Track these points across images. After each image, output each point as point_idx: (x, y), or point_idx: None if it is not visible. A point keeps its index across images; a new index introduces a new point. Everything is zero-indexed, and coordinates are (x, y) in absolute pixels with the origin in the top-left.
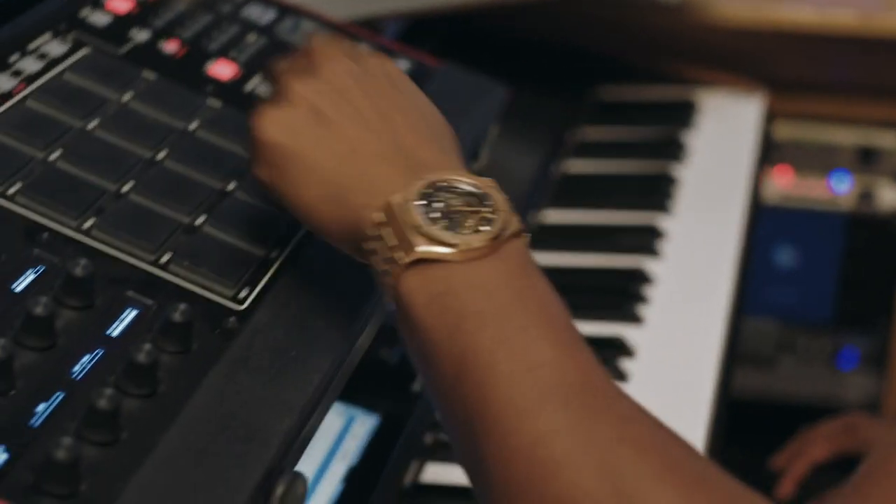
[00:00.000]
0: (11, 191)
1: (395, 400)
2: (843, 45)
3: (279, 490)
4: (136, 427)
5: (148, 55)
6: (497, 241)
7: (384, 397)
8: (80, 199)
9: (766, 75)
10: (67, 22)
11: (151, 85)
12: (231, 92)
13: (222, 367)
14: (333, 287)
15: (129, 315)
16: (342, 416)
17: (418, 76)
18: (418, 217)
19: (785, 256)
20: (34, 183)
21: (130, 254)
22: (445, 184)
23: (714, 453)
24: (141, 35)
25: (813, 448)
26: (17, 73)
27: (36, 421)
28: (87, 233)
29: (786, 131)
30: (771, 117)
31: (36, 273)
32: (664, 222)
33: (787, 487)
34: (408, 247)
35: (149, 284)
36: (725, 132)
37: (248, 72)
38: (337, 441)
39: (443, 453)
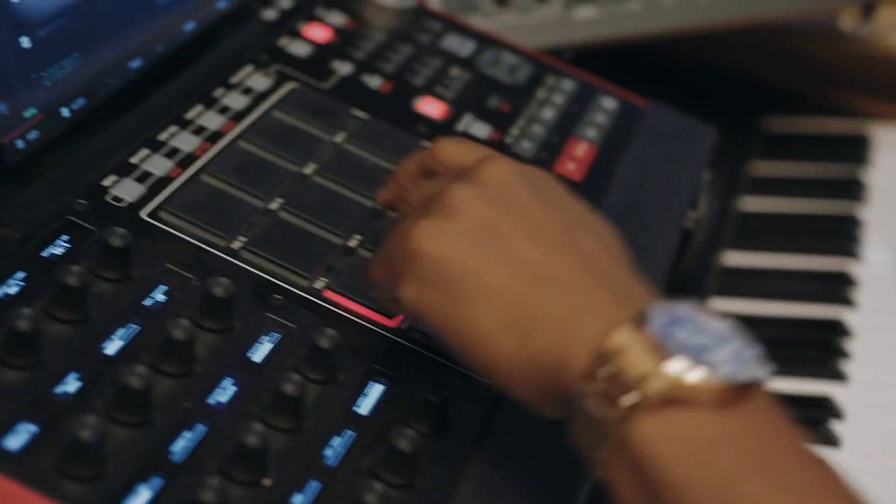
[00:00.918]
0: (236, 245)
1: None
2: None
3: None
4: None
5: (354, 90)
6: (748, 386)
7: None
8: (309, 255)
9: None
10: (268, 53)
11: (364, 125)
12: (444, 133)
13: (485, 452)
14: None
15: (376, 391)
16: None
17: (626, 115)
18: (664, 346)
19: None
20: (259, 237)
21: (367, 319)
22: (683, 316)
23: None
24: (344, 68)
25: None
26: (224, 110)
27: None
28: (318, 294)
29: None
30: None
31: (273, 341)
32: (854, 268)
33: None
34: (656, 383)
35: (389, 354)
36: None
37: (457, 110)
38: None
39: None
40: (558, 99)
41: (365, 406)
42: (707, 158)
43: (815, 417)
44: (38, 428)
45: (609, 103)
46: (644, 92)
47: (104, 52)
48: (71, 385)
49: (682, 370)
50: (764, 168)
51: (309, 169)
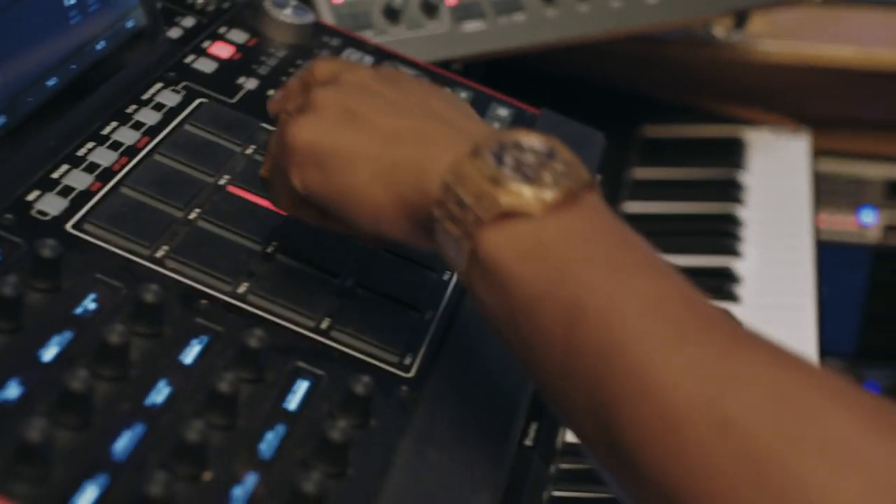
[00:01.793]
0: (160, 254)
1: None
2: (882, 81)
3: None
4: None
5: (260, 104)
6: (576, 192)
7: None
8: (230, 262)
9: (802, 112)
10: (175, 70)
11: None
12: None
13: (408, 442)
14: (498, 344)
15: (302, 387)
16: None
17: (520, 123)
18: (496, 170)
19: None
20: (181, 245)
21: (290, 320)
22: (512, 142)
23: None
24: (249, 83)
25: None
26: (138, 126)
27: None
28: (243, 298)
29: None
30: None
31: (202, 344)
32: (737, 265)
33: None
34: (489, 202)
35: (315, 353)
36: (778, 171)
37: None
38: None
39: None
40: None
41: (293, 402)
42: (598, 162)
43: None
44: None
45: (503, 111)
46: (529, 102)
47: (23, 72)
48: (12, 391)
49: (512, 188)
50: (644, 173)
51: (223, 179)
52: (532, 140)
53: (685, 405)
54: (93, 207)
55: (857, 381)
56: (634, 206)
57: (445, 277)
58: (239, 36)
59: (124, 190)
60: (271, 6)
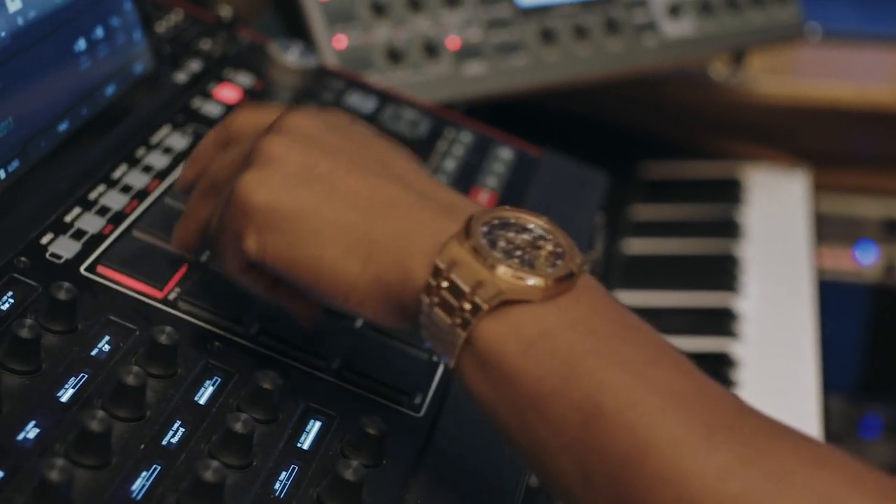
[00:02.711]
0: (172, 296)
1: None
2: (878, 119)
3: None
4: None
5: None
6: (574, 275)
7: None
8: (243, 303)
9: (800, 149)
10: (183, 114)
11: None
12: None
13: (420, 481)
14: None
15: (314, 427)
16: None
17: (522, 164)
18: (491, 254)
19: None
20: (193, 288)
21: (304, 362)
22: (501, 221)
23: None
24: None
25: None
26: (147, 169)
27: None
28: (255, 340)
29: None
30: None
31: (215, 385)
32: (736, 302)
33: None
34: (489, 290)
35: (326, 393)
36: (776, 208)
37: None
38: None
39: None
40: (458, 150)
41: (307, 441)
42: (600, 202)
43: None
44: (4, 473)
45: (506, 153)
46: (530, 142)
47: (35, 117)
48: (31, 432)
49: (510, 273)
50: (645, 211)
51: None
52: (523, 218)
53: None
54: (105, 250)
55: (858, 415)
56: (635, 245)
57: None
58: (245, 79)
59: (136, 233)
60: (276, 50)
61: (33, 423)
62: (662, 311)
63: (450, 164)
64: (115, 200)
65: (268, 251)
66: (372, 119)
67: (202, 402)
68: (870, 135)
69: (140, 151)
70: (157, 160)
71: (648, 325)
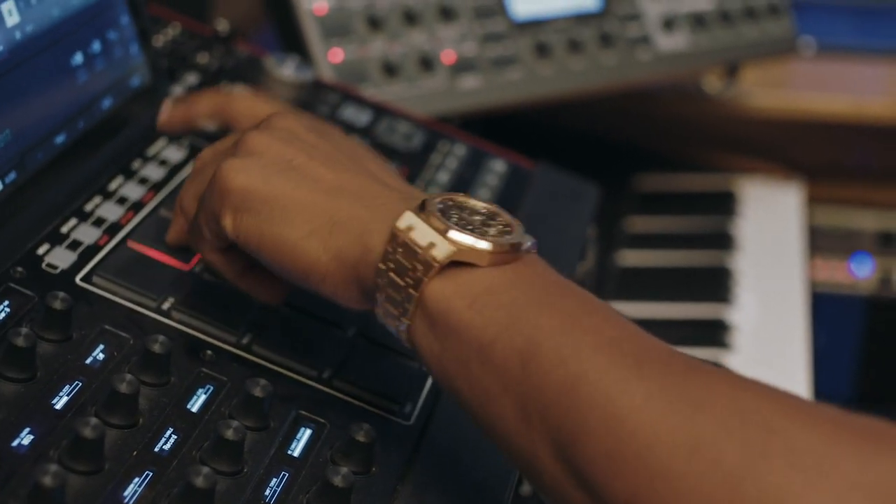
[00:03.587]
0: (166, 306)
1: None
2: (873, 132)
3: None
4: None
5: None
6: (521, 249)
7: None
8: (235, 313)
9: (795, 162)
10: None
11: None
12: None
13: (408, 488)
14: None
15: (305, 434)
16: None
17: (516, 176)
18: (444, 222)
19: None
20: (186, 298)
21: (293, 370)
22: (456, 202)
23: None
24: None
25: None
26: (143, 181)
27: None
28: (247, 349)
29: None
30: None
31: (207, 393)
32: (729, 314)
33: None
34: (439, 249)
35: (317, 402)
36: (770, 220)
37: None
38: None
39: None
40: (452, 163)
41: (297, 449)
42: (592, 214)
43: None
44: None
45: (499, 166)
46: (525, 155)
47: (32, 129)
48: (25, 439)
49: (461, 237)
50: (640, 224)
51: None
52: (473, 202)
53: (651, 432)
54: (101, 261)
55: None
56: (629, 256)
57: None
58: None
59: (131, 243)
60: (272, 64)
61: (28, 429)
62: (656, 323)
63: (443, 177)
64: (110, 212)
65: (241, 230)
66: (366, 132)
67: (194, 409)
68: (865, 148)
69: (136, 163)
70: (153, 172)
71: (590, 293)
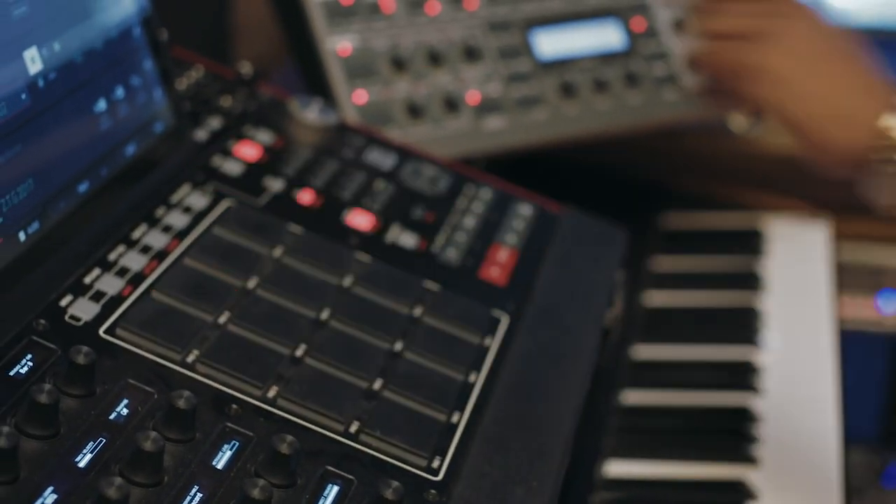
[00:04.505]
0: (191, 358)
1: None
2: None
3: None
4: None
5: (287, 206)
6: None
7: None
8: (260, 366)
9: (821, 199)
10: (203, 172)
11: (299, 239)
12: (375, 244)
13: None
14: (524, 447)
15: (332, 491)
16: None
17: (542, 221)
18: None
19: None
20: (212, 350)
21: (319, 423)
22: None
23: None
24: (275, 184)
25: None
26: (167, 229)
27: None
28: (272, 402)
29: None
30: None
31: (233, 449)
32: (757, 356)
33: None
34: None
35: (344, 457)
36: (797, 259)
37: (385, 222)
38: None
39: None
40: (478, 207)
41: None
42: (620, 259)
43: (731, 501)
44: None
45: (525, 210)
46: (550, 194)
47: (55, 177)
48: (49, 498)
49: None
50: (666, 263)
51: (252, 283)
52: None
53: None
54: (124, 312)
55: (882, 465)
56: (656, 297)
57: (471, 379)
58: (265, 136)
59: (155, 294)
60: (297, 107)
61: (51, 488)
62: (683, 365)
63: (469, 222)
64: (134, 261)
65: (771, 100)
66: (391, 176)
67: (220, 466)
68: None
69: (160, 211)
70: (177, 220)
71: None
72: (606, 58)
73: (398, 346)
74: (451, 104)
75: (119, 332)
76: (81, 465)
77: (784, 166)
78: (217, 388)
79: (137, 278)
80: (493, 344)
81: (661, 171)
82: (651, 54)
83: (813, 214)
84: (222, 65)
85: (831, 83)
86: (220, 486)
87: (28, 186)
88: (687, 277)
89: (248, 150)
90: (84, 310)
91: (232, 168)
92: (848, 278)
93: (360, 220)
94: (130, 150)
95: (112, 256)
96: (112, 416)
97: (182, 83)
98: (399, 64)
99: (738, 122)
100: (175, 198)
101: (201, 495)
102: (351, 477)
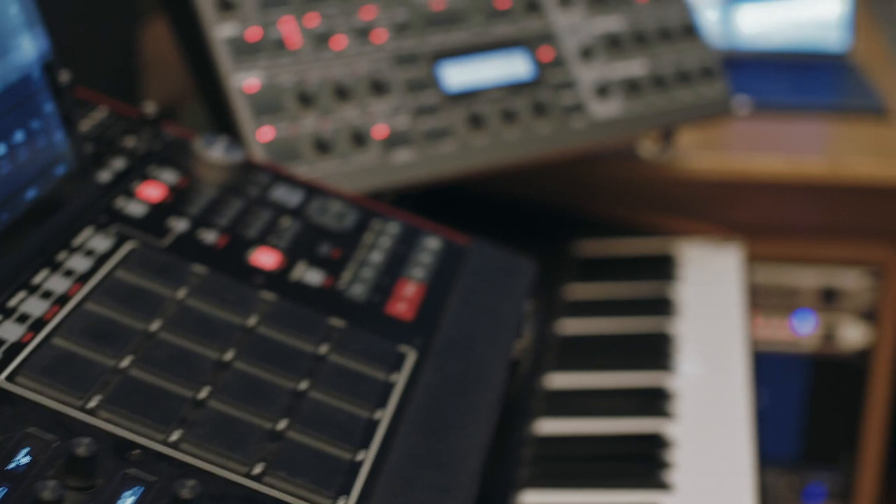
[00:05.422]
0: (92, 404)
1: None
2: (812, 190)
3: None
4: None
5: (191, 246)
6: None
7: None
8: (163, 410)
9: (734, 222)
10: (106, 214)
11: (203, 280)
12: (280, 282)
13: None
14: (431, 484)
15: None
16: None
17: (450, 254)
18: None
19: None
20: (113, 395)
21: (223, 466)
22: None
23: None
24: (180, 225)
25: None
26: (69, 273)
27: None
28: (175, 446)
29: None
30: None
31: (135, 495)
32: (670, 381)
33: None
34: None
35: (248, 500)
36: (710, 282)
37: (291, 259)
38: None
39: None
40: (385, 242)
41: None
42: (529, 290)
43: None
44: None
45: (433, 243)
46: (462, 226)
47: None
48: None
49: None
50: (579, 291)
51: (155, 325)
52: None
53: None
54: (24, 359)
55: (802, 483)
56: (569, 325)
57: (377, 416)
58: (169, 176)
59: (56, 340)
60: (201, 146)
61: None
62: (597, 393)
63: (376, 257)
64: (35, 307)
65: None
66: (298, 212)
67: None
68: (804, 205)
69: (62, 255)
70: (79, 263)
71: None
72: (514, 88)
73: (303, 385)
74: (359, 139)
75: (19, 379)
76: None
77: (695, 190)
78: (119, 434)
79: (38, 324)
80: (400, 380)
81: (572, 200)
82: (559, 83)
83: (725, 237)
84: (129, 104)
85: None
86: None
87: None
88: (600, 305)
89: (152, 191)
90: None
91: (135, 209)
92: (763, 300)
93: (265, 258)
94: (31, 193)
95: (12, 303)
96: (11, 466)
97: (85, 124)
98: (306, 99)
99: (647, 147)
100: (77, 241)
101: None
102: None
